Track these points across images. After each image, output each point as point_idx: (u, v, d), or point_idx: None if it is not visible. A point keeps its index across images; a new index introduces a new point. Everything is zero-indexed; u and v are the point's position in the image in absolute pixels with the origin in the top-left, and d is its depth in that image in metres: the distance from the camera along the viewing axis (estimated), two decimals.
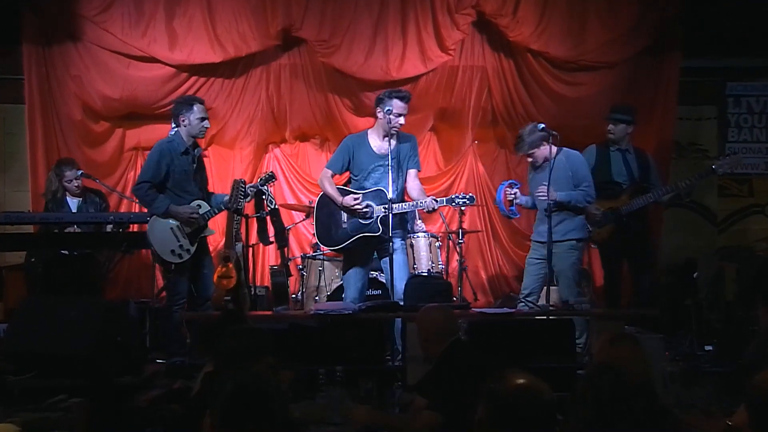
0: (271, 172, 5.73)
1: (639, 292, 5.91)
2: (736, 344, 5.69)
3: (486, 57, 6.99)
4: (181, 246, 5.25)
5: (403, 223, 5.34)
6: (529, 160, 5.54)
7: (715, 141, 7.58)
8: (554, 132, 5.29)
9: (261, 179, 5.50)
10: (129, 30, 6.59)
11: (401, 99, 5.15)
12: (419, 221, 6.62)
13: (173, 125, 5.45)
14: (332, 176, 5.36)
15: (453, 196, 5.03)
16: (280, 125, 7.09)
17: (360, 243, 5.16)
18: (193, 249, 5.27)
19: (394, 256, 5.12)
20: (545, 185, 5.25)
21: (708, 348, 5.90)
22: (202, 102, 5.49)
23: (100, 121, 6.91)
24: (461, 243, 6.46)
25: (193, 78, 6.77)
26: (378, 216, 5.06)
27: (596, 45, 6.82)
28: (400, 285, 5.06)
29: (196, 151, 5.41)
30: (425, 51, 6.77)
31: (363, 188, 5.19)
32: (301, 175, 7.22)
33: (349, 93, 6.93)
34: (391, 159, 5.05)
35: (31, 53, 6.69)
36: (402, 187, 5.24)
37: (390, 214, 4.94)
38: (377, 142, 5.24)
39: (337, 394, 3.64)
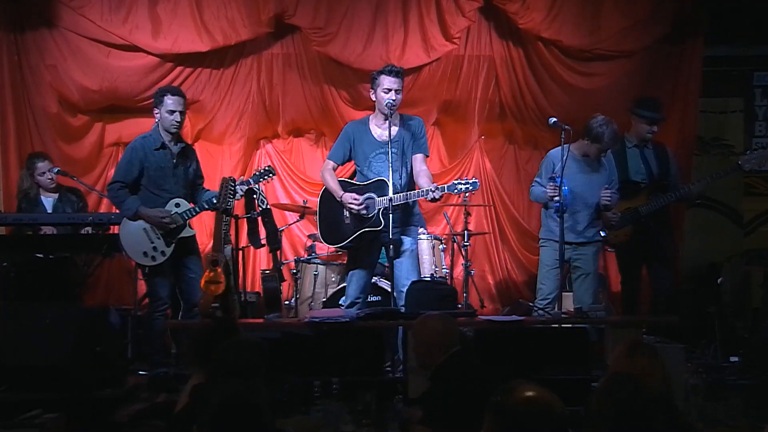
0: (269, 165, 5.67)
1: (659, 299, 5.90)
2: (763, 355, 5.70)
3: (493, 46, 6.99)
4: (154, 248, 5.25)
5: (410, 218, 5.21)
6: (603, 156, 5.53)
7: (741, 135, 7.58)
8: (567, 126, 5.28)
9: (256, 173, 5.46)
10: (109, 16, 6.58)
11: (389, 73, 5.07)
12: (421, 229, 6.57)
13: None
14: (334, 168, 5.30)
15: (455, 182, 4.92)
16: (273, 119, 7.10)
17: (365, 240, 5.13)
18: (169, 251, 5.27)
19: (401, 259, 5.10)
20: (608, 187, 5.40)
21: (733, 359, 5.89)
22: (176, 93, 5.45)
23: (77, 115, 6.91)
24: (467, 245, 6.46)
25: (179, 68, 6.77)
26: (379, 209, 5.00)
27: (612, 32, 6.82)
28: (405, 291, 5.02)
29: (176, 146, 5.41)
30: (428, 39, 6.77)
31: (366, 178, 5.15)
32: (294, 173, 7.22)
33: (346, 84, 6.93)
34: (392, 144, 4.98)
35: (2, 40, 6.69)
36: (408, 175, 5.16)
37: (390, 206, 4.86)
38: (378, 128, 5.20)
39: (333, 407, 3.64)
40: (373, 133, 5.21)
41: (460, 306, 6.01)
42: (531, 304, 5.75)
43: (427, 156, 5.30)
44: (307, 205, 6.68)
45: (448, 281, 6.47)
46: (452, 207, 7.05)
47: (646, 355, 3.02)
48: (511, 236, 7.24)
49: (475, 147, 7.25)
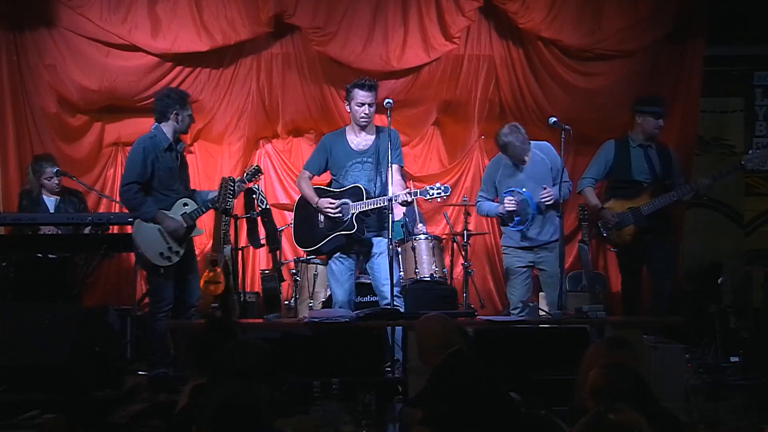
0: (257, 165, 5.73)
1: (659, 299, 5.89)
2: (764, 355, 5.70)
3: (493, 45, 6.99)
4: (170, 248, 5.26)
5: (384, 223, 5.23)
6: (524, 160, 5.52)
7: (741, 135, 7.57)
8: (567, 126, 5.29)
9: (247, 173, 5.51)
10: (108, 15, 6.58)
11: (362, 87, 5.20)
12: (420, 224, 6.62)
13: (157, 120, 5.43)
14: (311, 177, 5.42)
15: (427, 188, 5.03)
16: (272, 119, 7.09)
17: (339, 244, 5.20)
18: (182, 251, 5.30)
19: (376, 259, 5.18)
20: (546, 187, 5.38)
21: (734, 359, 5.90)
22: (189, 96, 5.58)
23: (76, 115, 6.91)
24: (467, 245, 6.45)
25: (178, 68, 6.77)
26: (353, 214, 5.10)
27: (612, 32, 6.81)
28: (384, 290, 5.08)
29: (179, 146, 5.43)
30: (428, 39, 6.77)
31: (342, 187, 5.26)
32: (294, 173, 7.19)
33: (345, 84, 6.90)
34: (368, 154, 5.19)
35: (1, 40, 6.69)
36: (382, 184, 5.24)
37: (390, 206, 4.96)
38: (355, 138, 5.32)
39: (332, 407, 3.64)
40: (349, 143, 5.32)
41: (459, 306, 6.01)
42: (531, 304, 5.75)
43: (402, 166, 5.41)
44: None
45: (448, 281, 6.47)
46: (452, 207, 7.04)
47: (621, 349, 3.04)
48: None
49: (475, 147, 7.24)
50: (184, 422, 3.09)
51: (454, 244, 6.77)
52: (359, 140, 5.29)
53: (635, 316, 5.73)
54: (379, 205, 5.07)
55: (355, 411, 3.64)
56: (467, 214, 6.55)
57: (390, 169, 5.07)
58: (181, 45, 6.65)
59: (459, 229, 6.64)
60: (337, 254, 5.27)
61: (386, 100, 5.15)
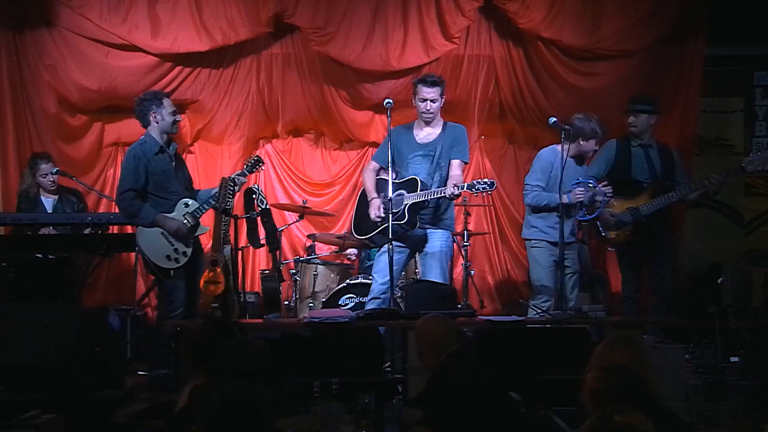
0: (258, 156, 5.70)
1: (659, 299, 5.89)
2: (764, 355, 5.69)
3: (493, 45, 7.00)
4: (175, 250, 5.24)
5: (439, 220, 5.31)
6: (588, 151, 5.60)
7: (741, 135, 7.57)
8: (567, 126, 5.29)
9: (247, 165, 5.48)
10: (108, 15, 6.58)
11: (423, 83, 5.29)
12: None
13: (143, 126, 5.42)
14: (376, 169, 5.47)
15: (474, 182, 5.03)
16: (272, 119, 7.10)
17: (392, 233, 5.16)
18: (189, 251, 5.29)
19: (427, 258, 5.25)
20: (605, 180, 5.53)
21: (734, 359, 5.89)
22: (168, 96, 5.57)
23: (76, 115, 6.91)
24: (467, 246, 6.46)
25: (178, 68, 6.78)
26: (406, 204, 5.14)
27: (613, 32, 6.81)
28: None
29: (171, 148, 5.42)
30: (428, 39, 6.77)
31: (402, 178, 5.31)
32: (294, 173, 7.22)
33: (345, 84, 6.94)
34: (428, 148, 5.27)
35: (1, 40, 6.69)
36: (442, 177, 5.28)
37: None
38: (420, 132, 5.39)
39: (332, 408, 3.63)
40: (414, 136, 5.39)
41: (460, 306, 6.01)
42: (521, 301, 5.76)
43: (466, 163, 5.47)
44: (306, 205, 6.68)
45: (448, 282, 6.45)
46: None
47: (627, 348, 3.04)
48: (511, 236, 7.24)
49: (475, 147, 7.23)
50: (184, 422, 3.09)
51: (454, 244, 6.76)
52: (424, 134, 5.34)
53: (635, 316, 5.72)
54: (429, 197, 5.11)
55: (355, 411, 3.63)
56: (467, 214, 6.56)
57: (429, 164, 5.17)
58: (181, 45, 6.65)
59: (459, 229, 6.65)
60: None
61: (386, 100, 5.17)
